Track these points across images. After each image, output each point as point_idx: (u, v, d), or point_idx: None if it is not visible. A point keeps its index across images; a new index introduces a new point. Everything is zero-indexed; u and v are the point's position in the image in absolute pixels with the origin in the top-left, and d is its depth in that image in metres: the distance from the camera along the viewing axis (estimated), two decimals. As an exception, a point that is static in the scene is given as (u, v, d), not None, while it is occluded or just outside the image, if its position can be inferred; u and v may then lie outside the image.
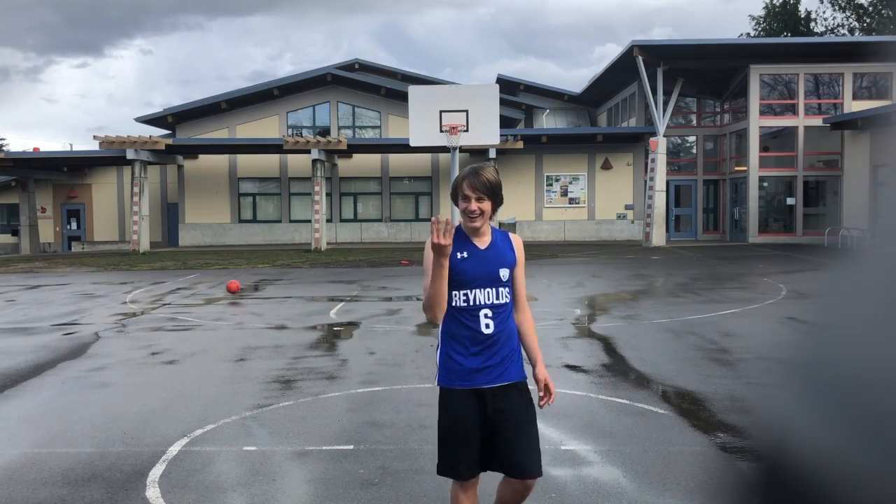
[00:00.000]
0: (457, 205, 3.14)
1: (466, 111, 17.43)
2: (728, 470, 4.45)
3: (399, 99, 28.52)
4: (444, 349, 3.09)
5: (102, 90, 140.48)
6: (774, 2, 44.17)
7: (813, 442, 0.50)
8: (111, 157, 27.74)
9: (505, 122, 25.51)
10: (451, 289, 3.02)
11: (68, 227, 32.70)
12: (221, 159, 30.80)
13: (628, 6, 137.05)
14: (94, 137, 26.38)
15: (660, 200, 25.85)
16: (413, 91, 18.11)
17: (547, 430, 5.25)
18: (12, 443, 5.33)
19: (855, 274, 0.55)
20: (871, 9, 42.67)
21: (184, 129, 30.98)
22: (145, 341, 9.28)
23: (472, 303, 3.04)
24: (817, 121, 26.25)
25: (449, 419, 3.06)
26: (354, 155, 30.28)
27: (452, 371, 3.04)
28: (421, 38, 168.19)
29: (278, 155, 29.75)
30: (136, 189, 26.73)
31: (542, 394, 3.15)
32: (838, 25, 43.88)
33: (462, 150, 20.31)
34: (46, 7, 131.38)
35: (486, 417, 3.02)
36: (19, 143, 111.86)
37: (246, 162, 30.84)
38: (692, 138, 30.41)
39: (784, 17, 43.74)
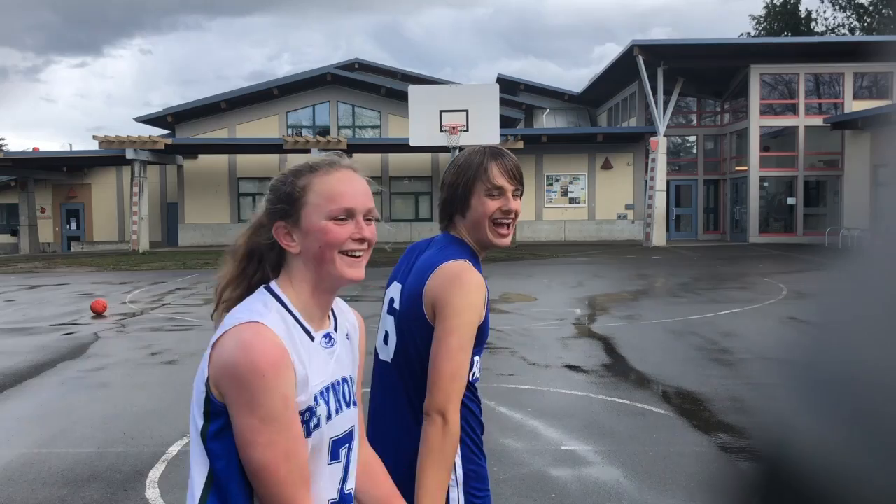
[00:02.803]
0: (468, 203, 1.93)
1: (466, 111, 17.45)
2: (728, 470, 4.45)
3: (399, 99, 28.51)
4: (467, 445, 1.89)
5: (101, 90, 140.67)
6: (775, 1, 44.17)
7: (813, 442, 0.50)
8: (110, 156, 27.73)
9: (505, 122, 25.49)
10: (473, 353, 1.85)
11: (68, 227, 32.67)
12: (221, 159, 30.79)
13: (627, 6, 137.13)
14: (94, 137, 26.38)
15: (660, 200, 25.84)
16: (413, 91, 18.11)
17: (547, 431, 5.25)
18: (12, 443, 5.33)
19: (855, 274, 0.54)
20: (871, 8, 42.67)
21: (183, 128, 30.97)
22: (145, 341, 9.28)
23: (479, 373, 1.94)
24: (818, 121, 26.24)
25: None
26: (354, 154, 30.17)
27: (482, 477, 1.91)
28: (420, 38, 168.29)
29: (278, 155, 29.74)
30: (135, 189, 26.72)
31: None
32: (839, 25, 43.89)
33: (462, 149, 20.36)
34: (45, 7, 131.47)
35: None
36: (18, 143, 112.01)
37: (246, 162, 30.84)
38: (692, 138, 30.40)
39: (784, 17, 43.74)
